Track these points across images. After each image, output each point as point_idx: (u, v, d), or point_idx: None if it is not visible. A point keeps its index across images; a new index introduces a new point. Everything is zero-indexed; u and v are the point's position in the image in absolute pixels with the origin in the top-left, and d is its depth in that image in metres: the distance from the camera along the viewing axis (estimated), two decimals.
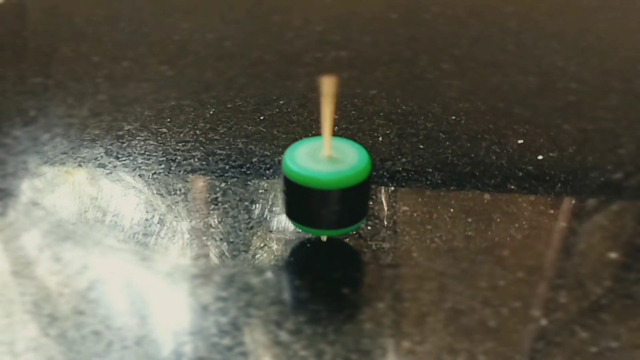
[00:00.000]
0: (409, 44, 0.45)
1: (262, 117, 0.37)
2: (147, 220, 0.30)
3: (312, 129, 0.36)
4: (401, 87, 0.40)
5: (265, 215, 0.30)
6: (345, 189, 0.24)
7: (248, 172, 0.32)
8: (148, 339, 0.24)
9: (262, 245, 0.28)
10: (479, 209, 0.30)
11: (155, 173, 0.33)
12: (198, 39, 0.46)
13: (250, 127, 0.36)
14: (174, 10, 0.51)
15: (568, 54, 0.43)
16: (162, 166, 0.33)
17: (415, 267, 0.27)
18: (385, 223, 0.29)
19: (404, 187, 0.31)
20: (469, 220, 0.29)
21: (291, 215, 0.26)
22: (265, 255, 0.28)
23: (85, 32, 0.48)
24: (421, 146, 0.34)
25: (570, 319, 0.24)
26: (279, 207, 0.30)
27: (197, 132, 0.36)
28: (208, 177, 0.32)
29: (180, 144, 0.35)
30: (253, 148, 0.34)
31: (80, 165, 0.33)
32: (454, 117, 0.36)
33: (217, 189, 0.31)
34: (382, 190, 0.31)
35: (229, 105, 0.38)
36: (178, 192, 0.31)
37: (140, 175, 0.32)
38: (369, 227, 0.29)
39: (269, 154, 0.34)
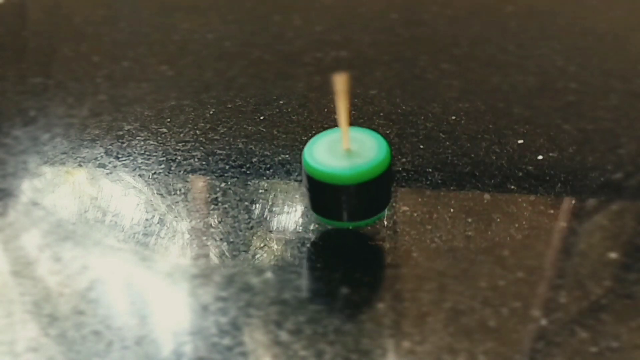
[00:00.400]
0: (409, 44, 0.45)
1: (262, 117, 0.37)
2: (147, 220, 0.30)
3: (312, 129, 0.36)
4: (401, 87, 0.40)
5: (265, 215, 0.30)
6: (363, 183, 0.25)
7: (248, 172, 0.32)
8: (148, 339, 0.24)
9: (262, 245, 0.28)
10: (479, 209, 0.30)
11: (155, 173, 0.33)
12: (198, 39, 0.46)
13: (250, 127, 0.36)
14: (174, 10, 0.51)
15: (568, 54, 0.43)
16: (162, 166, 0.33)
17: (415, 267, 0.27)
18: (385, 223, 0.29)
19: (404, 187, 0.31)
20: (469, 220, 0.29)
21: (315, 209, 0.27)
22: (265, 255, 0.28)
23: (85, 32, 0.48)
24: (421, 146, 0.34)
25: (570, 319, 0.24)
26: (278, 207, 0.30)
27: (197, 132, 0.36)
28: (208, 177, 0.32)
29: (180, 144, 0.35)
30: (253, 148, 0.34)
31: (80, 165, 0.33)
32: (454, 117, 0.36)
33: (217, 189, 0.31)
34: None
35: (229, 105, 0.38)
36: (178, 192, 0.31)
37: (140, 175, 0.32)
38: (369, 227, 0.29)
39: (269, 154, 0.34)
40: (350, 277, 0.26)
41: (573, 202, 0.31)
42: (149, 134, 0.36)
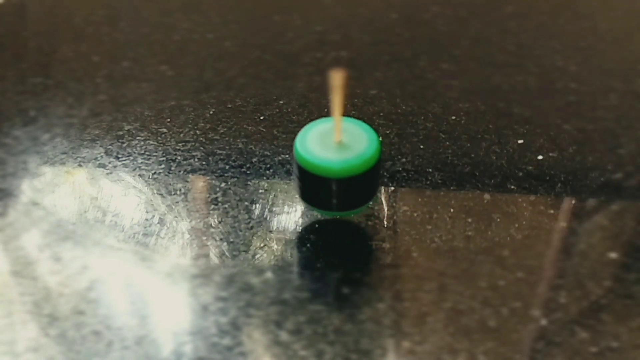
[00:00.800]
0: (409, 44, 0.45)
1: (262, 117, 0.37)
2: (147, 220, 0.30)
3: None
4: (401, 87, 0.40)
5: (265, 215, 0.30)
6: (353, 177, 0.25)
7: (248, 172, 0.32)
8: (148, 339, 0.24)
9: (262, 245, 0.28)
10: (479, 209, 0.30)
11: (155, 173, 0.33)
12: (198, 39, 0.46)
13: (250, 127, 0.36)
14: (174, 10, 0.51)
15: (568, 54, 0.43)
16: (162, 166, 0.33)
17: (415, 267, 0.27)
18: (385, 223, 0.29)
19: (404, 187, 0.31)
20: (469, 220, 0.29)
21: (303, 197, 0.27)
22: (265, 255, 0.28)
23: (85, 32, 0.48)
24: (421, 146, 0.34)
25: (570, 319, 0.24)
26: (278, 207, 0.30)
27: (197, 132, 0.36)
28: (208, 177, 0.32)
29: (180, 144, 0.35)
30: (253, 148, 0.34)
31: (80, 165, 0.33)
32: (454, 117, 0.36)
33: (217, 189, 0.31)
34: (382, 190, 0.31)
35: (229, 105, 0.38)
36: (178, 192, 0.31)
37: (140, 175, 0.32)
38: (369, 227, 0.29)
39: (269, 154, 0.34)
40: (350, 277, 0.26)
41: (573, 202, 0.31)
42: (149, 134, 0.36)
